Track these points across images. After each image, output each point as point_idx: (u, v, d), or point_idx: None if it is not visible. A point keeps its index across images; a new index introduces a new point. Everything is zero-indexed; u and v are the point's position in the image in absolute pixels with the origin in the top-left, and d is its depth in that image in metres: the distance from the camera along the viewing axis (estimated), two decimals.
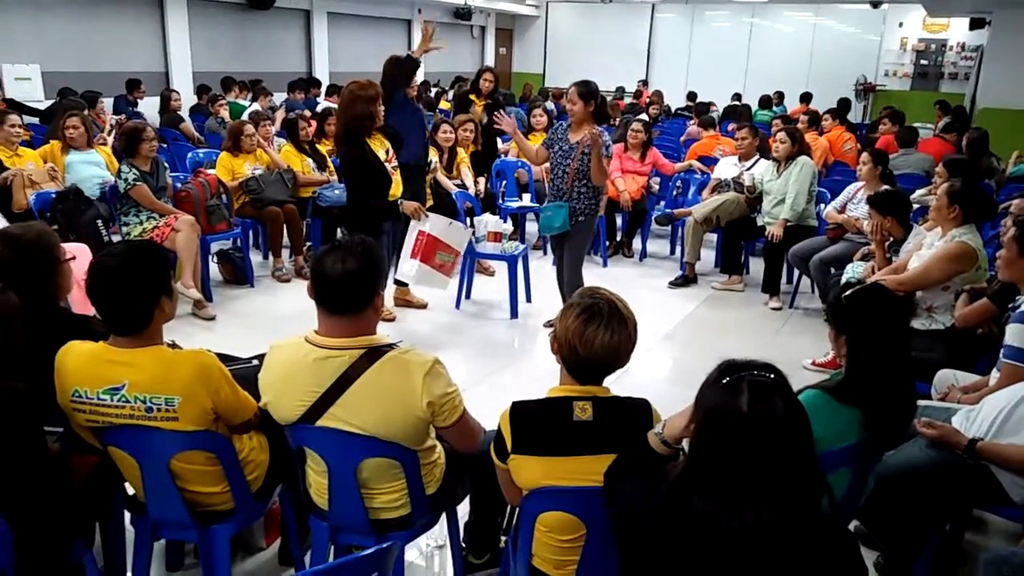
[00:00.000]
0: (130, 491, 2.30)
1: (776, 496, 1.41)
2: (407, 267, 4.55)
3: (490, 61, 18.27)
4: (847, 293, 2.22)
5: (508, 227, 5.35)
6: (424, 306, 5.25)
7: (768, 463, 1.41)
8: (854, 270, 4.46)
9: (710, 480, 1.45)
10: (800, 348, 4.69)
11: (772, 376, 1.49)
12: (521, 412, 1.93)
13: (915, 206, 5.19)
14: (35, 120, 8.31)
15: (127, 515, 2.36)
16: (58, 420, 2.14)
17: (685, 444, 1.74)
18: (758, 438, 1.41)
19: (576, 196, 4.45)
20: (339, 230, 5.89)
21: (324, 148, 6.50)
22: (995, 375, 2.82)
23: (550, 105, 11.72)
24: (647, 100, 13.36)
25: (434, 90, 12.09)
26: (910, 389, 2.25)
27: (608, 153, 4.42)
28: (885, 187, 4.88)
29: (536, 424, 1.91)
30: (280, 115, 8.76)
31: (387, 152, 4.44)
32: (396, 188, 4.49)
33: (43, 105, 8.69)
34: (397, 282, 5.07)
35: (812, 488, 1.47)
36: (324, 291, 2.03)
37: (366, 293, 2.04)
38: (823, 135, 8.30)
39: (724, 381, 1.48)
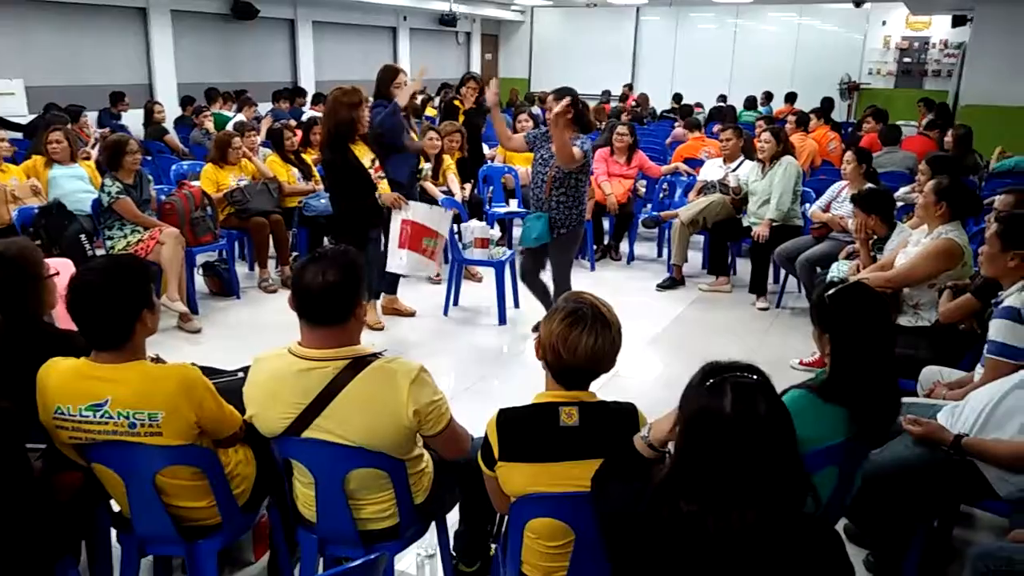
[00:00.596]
0: (116, 507, 2.29)
1: (761, 497, 1.42)
2: (396, 258, 4.52)
3: (476, 67, 18.28)
4: (830, 292, 2.22)
5: (495, 233, 5.34)
6: (412, 314, 5.24)
7: (752, 464, 1.41)
8: (839, 269, 4.47)
9: (695, 482, 1.45)
10: (788, 348, 4.70)
11: (755, 377, 1.49)
12: (508, 419, 1.92)
13: (899, 204, 5.22)
14: (18, 135, 8.27)
15: (113, 532, 2.34)
16: (40, 437, 2.12)
17: (671, 447, 1.75)
18: (742, 439, 1.41)
19: (555, 206, 4.32)
20: (325, 239, 5.88)
21: (309, 157, 6.49)
22: (980, 371, 2.84)
23: (536, 110, 11.74)
24: (632, 103, 13.42)
25: (420, 97, 12.08)
26: (894, 386, 2.26)
27: (583, 148, 4.22)
28: (869, 185, 4.91)
29: (523, 431, 1.90)
30: (266, 124, 8.74)
31: (372, 161, 4.43)
32: (383, 188, 4.48)
33: (27, 120, 8.64)
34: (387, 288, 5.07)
35: (797, 489, 1.48)
36: (305, 304, 2.01)
37: (348, 304, 2.02)
38: (809, 135, 8.33)
39: (707, 383, 1.49)
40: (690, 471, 1.47)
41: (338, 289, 1.99)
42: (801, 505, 1.48)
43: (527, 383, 2.29)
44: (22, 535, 1.89)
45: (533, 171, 4.47)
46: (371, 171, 4.41)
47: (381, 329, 4.91)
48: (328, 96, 4.44)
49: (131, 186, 4.88)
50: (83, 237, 4.92)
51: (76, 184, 5.45)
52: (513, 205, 6.63)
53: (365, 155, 4.40)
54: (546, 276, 4.66)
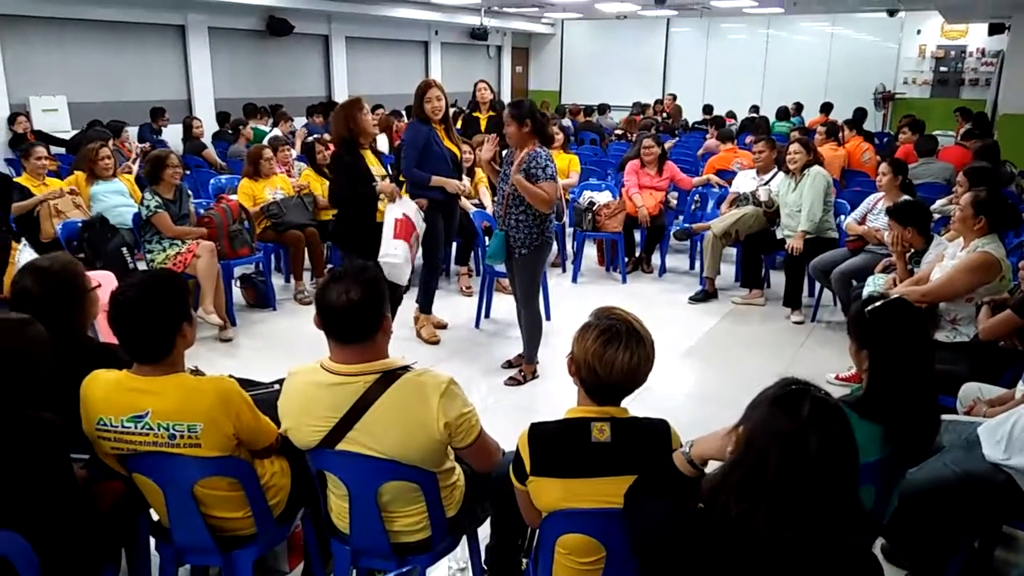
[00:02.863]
0: (155, 517, 2.33)
1: (811, 516, 1.40)
2: (392, 247, 4.33)
3: (507, 80, 18.41)
4: (870, 308, 2.19)
5: None
6: (444, 326, 5.27)
7: (812, 481, 1.40)
8: (875, 282, 4.41)
9: (750, 488, 1.44)
10: (823, 362, 4.64)
11: (831, 400, 1.49)
12: (539, 434, 1.92)
13: (936, 216, 5.14)
14: (62, 150, 8.51)
15: (152, 540, 2.39)
16: (84, 448, 2.17)
17: (711, 466, 1.74)
18: (809, 452, 1.40)
19: (513, 224, 4.08)
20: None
21: None
22: (1021, 388, 2.78)
23: (566, 122, 11.78)
24: (663, 115, 13.40)
25: (452, 110, 12.18)
26: (934, 404, 2.22)
27: (548, 174, 3.95)
28: (905, 197, 4.84)
29: (554, 446, 1.90)
30: (299, 138, 8.88)
31: (383, 177, 4.48)
32: (383, 206, 4.53)
33: (69, 135, 8.89)
34: (422, 309, 5.11)
35: (848, 517, 1.45)
36: (331, 323, 2.03)
37: (373, 321, 2.03)
38: (842, 146, 8.22)
39: (786, 391, 1.48)
40: (747, 477, 1.45)
41: (362, 307, 1.99)
42: (848, 532, 1.45)
43: (558, 396, 2.29)
44: (66, 543, 1.94)
45: (498, 186, 4.27)
46: (378, 178, 4.44)
47: (437, 343, 4.99)
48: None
49: (171, 201, 4.99)
50: (124, 250, 5.04)
51: (117, 199, 5.59)
52: None
53: (374, 165, 4.45)
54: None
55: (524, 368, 4.48)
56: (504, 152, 4.32)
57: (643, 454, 1.84)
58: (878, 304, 2.20)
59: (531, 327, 4.40)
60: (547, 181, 3.97)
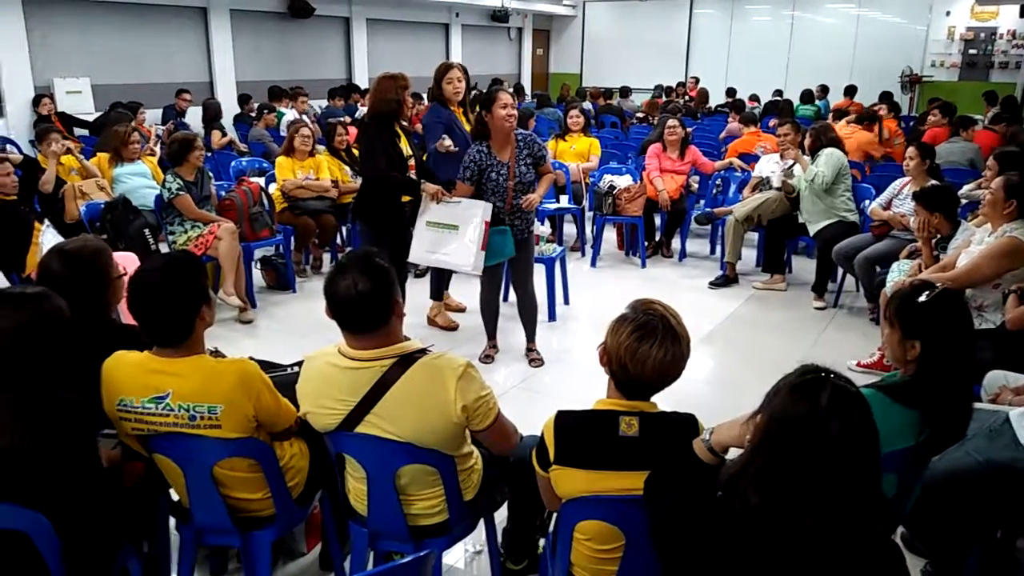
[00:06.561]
0: (175, 497, 2.36)
1: (831, 505, 1.39)
2: (479, 260, 4.23)
3: (527, 63, 18.32)
4: (922, 297, 2.14)
5: (546, 230, 5.33)
6: (462, 309, 5.26)
7: (832, 469, 1.38)
8: (900, 268, 4.35)
9: (769, 477, 1.42)
10: (845, 349, 4.59)
11: (851, 387, 1.47)
12: (565, 423, 1.90)
13: (963, 201, 5.04)
14: (85, 132, 8.59)
15: (172, 521, 2.41)
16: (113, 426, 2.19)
17: (732, 453, 1.72)
18: (830, 441, 1.38)
19: (515, 210, 4.14)
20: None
21: None
22: None
23: (587, 105, 11.69)
24: (690, 95, 13.28)
25: (472, 93, 12.12)
26: (969, 392, 2.19)
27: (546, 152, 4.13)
28: (932, 182, 4.75)
29: (580, 436, 1.88)
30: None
31: (409, 157, 4.45)
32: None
33: (93, 117, 8.96)
34: (432, 296, 5.10)
35: (869, 507, 1.43)
36: (343, 316, 2.02)
37: (385, 308, 2.02)
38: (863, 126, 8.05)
39: (806, 378, 1.46)
40: (767, 465, 1.44)
41: (372, 298, 1.98)
42: (869, 521, 1.43)
43: (578, 380, 2.28)
44: (88, 524, 1.96)
45: (492, 191, 4.09)
46: (409, 161, 4.42)
47: (455, 328, 4.98)
48: (376, 78, 4.56)
49: (192, 183, 5.01)
50: (147, 232, 5.08)
51: (140, 180, 5.64)
52: (564, 201, 6.61)
53: (405, 145, 4.43)
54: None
55: (533, 347, 4.55)
56: (476, 154, 4.07)
57: (671, 450, 1.80)
58: (929, 293, 2.14)
59: (536, 306, 4.50)
60: (547, 160, 4.22)
